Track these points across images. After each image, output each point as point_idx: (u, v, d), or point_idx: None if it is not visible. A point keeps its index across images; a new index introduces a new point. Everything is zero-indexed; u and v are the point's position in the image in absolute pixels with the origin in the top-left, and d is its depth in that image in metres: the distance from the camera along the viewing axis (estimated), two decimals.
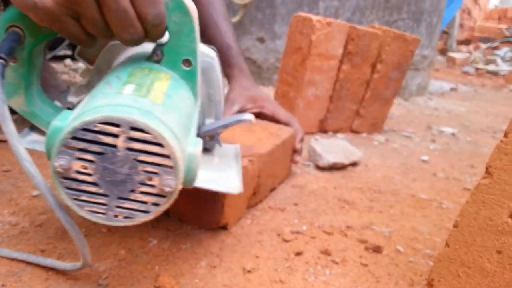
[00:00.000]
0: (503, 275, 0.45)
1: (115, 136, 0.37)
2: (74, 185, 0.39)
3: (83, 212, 0.40)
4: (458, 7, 4.38)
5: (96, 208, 0.40)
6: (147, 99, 0.41)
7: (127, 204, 0.40)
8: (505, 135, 0.45)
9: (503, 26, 6.19)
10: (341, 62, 1.30)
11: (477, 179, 0.48)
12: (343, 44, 1.27)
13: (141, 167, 0.39)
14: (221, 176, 0.57)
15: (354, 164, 1.05)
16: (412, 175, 1.05)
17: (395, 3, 2.06)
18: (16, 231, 0.59)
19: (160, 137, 0.38)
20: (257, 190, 0.72)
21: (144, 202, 0.40)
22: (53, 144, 0.38)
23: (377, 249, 0.66)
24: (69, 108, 0.53)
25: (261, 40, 2.04)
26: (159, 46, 0.48)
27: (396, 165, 1.12)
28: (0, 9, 0.76)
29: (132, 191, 0.40)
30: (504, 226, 0.45)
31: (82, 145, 0.37)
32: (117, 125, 0.37)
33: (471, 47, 5.86)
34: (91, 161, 0.38)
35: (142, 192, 0.40)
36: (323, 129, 1.36)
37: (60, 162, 0.37)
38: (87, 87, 0.58)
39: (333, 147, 1.06)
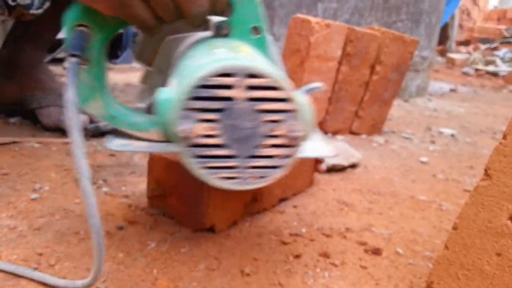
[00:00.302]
0: (502, 277, 0.45)
1: (232, 87, 0.36)
2: (202, 151, 0.38)
3: (216, 180, 0.39)
4: (456, 6, 4.38)
5: (228, 173, 0.39)
6: (243, 54, 0.40)
7: (257, 162, 0.39)
8: (504, 137, 0.45)
9: (503, 26, 6.20)
10: (339, 63, 1.30)
11: (477, 180, 0.48)
12: (341, 45, 1.27)
13: (264, 117, 0.37)
14: (310, 143, 0.52)
15: (353, 165, 1.05)
16: (412, 176, 1.05)
17: (393, 4, 2.06)
18: (14, 234, 0.58)
19: (277, 80, 0.37)
20: (259, 197, 0.71)
21: (274, 156, 0.39)
22: (168, 114, 0.37)
23: (376, 251, 0.65)
24: None
25: None
26: (223, 20, 0.47)
27: (396, 166, 1.12)
28: (4, 14, 0.76)
29: (260, 146, 0.38)
30: (503, 228, 0.45)
31: (201, 104, 0.36)
32: (232, 75, 0.36)
33: (470, 48, 5.86)
34: (213, 121, 0.37)
35: (271, 146, 0.38)
36: (322, 131, 1.36)
37: (183, 127, 0.36)
38: (150, 89, 0.57)
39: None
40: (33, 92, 1.03)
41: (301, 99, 0.40)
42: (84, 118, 1.00)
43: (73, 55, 0.41)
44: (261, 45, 0.49)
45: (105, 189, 0.76)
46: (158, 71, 0.56)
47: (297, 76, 1.24)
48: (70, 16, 0.45)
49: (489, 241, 0.46)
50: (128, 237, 0.61)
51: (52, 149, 0.92)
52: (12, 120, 1.06)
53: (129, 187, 0.78)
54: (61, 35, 1.15)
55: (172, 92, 0.39)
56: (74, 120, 0.39)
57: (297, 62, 1.24)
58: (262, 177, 0.40)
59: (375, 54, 1.35)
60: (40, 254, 0.55)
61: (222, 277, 0.55)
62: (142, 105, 0.57)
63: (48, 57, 1.68)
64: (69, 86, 0.39)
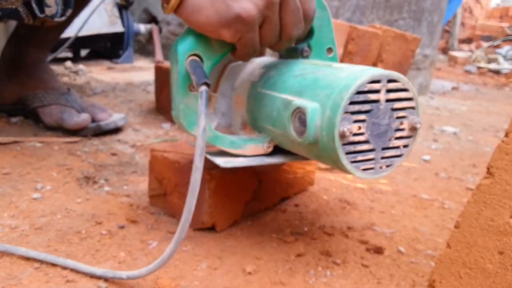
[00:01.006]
0: (505, 276, 0.45)
1: (378, 91, 0.44)
2: (352, 147, 0.45)
3: (359, 172, 0.46)
4: (458, 4, 4.37)
5: (367, 164, 0.46)
6: (361, 66, 0.48)
7: (388, 153, 0.47)
8: (506, 135, 0.45)
9: (505, 24, 6.18)
10: (341, 62, 1.29)
11: (479, 178, 0.48)
12: (343, 44, 1.27)
13: (395, 114, 0.46)
14: None
15: None
16: (414, 175, 1.04)
17: (395, 2, 2.05)
18: (16, 234, 0.58)
19: (407, 83, 0.46)
20: (260, 196, 0.71)
21: (398, 147, 0.47)
22: (316, 123, 0.45)
23: (378, 250, 0.65)
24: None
25: None
26: (303, 43, 0.56)
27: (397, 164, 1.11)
28: (29, 22, 0.77)
29: (391, 139, 0.46)
30: (506, 226, 0.45)
31: (357, 107, 0.44)
32: (378, 82, 0.44)
33: (472, 45, 5.84)
34: (363, 121, 0.44)
35: (397, 138, 0.47)
36: None
37: (346, 127, 0.43)
38: (215, 113, 0.63)
39: None
40: (35, 91, 1.03)
41: (417, 96, 0.48)
42: (86, 116, 1.00)
43: (204, 84, 0.45)
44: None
45: (106, 188, 0.76)
46: (222, 96, 0.63)
47: None
48: (185, 46, 0.49)
49: (492, 240, 0.46)
50: (130, 236, 0.61)
51: (54, 148, 0.92)
52: (14, 119, 1.06)
53: (131, 186, 0.78)
54: (64, 34, 1.15)
55: (316, 102, 0.46)
56: (203, 148, 0.44)
57: None
58: (389, 165, 0.47)
59: (376, 52, 1.34)
60: None
61: (224, 276, 0.55)
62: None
63: (50, 57, 1.68)
64: (201, 115, 0.44)
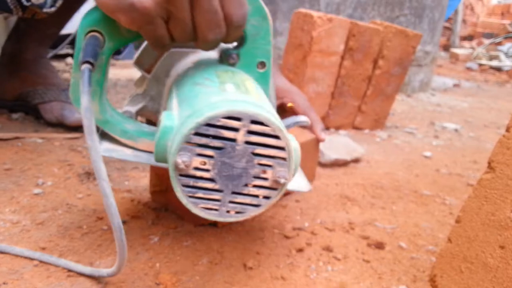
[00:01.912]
0: (506, 270, 0.45)
1: (236, 130, 0.38)
2: (192, 182, 0.40)
3: (197, 209, 0.41)
4: (459, 1, 4.36)
5: (210, 204, 0.41)
6: (251, 96, 0.42)
7: (240, 199, 0.41)
8: (507, 130, 0.45)
9: (506, 21, 6.16)
10: (342, 58, 1.29)
11: (480, 174, 0.48)
12: (344, 40, 1.26)
13: (257, 160, 0.40)
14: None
15: (356, 160, 1.05)
16: (415, 171, 1.04)
17: None
18: (17, 229, 0.58)
19: (278, 129, 0.39)
20: None
21: (256, 196, 0.41)
22: (166, 143, 0.40)
23: (379, 245, 0.65)
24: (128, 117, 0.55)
25: None
26: (233, 50, 0.50)
27: (399, 161, 1.11)
28: (18, 13, 0.76)
29: (246, 185, 0.40)
30: (507, 221, 0.45)
31: (204, 140, 0.38)
32: (238, 119, 0.38)
33: (474, 42, 5.83)
34: (210, 157, 0.39)
35: (255, 186, 0.41)
36: (325, 126, 1.36)
37: (182, 158, 0.38)
38: (143, 95, 0.59)
39: (335, 144, 1.06)
40: (36, 87, 1.03)
41: (294, 147, 0.42)
42: None
43: (87, 62, 0.42)
44: (264, 80, 0.51)
45: None
46: (155, 80, 0.58)
47: (299, 71, 1.24)
48: (86, 21, 0.45)
49: (493, 234, 0.46)
50: (131, 232, 0.61)
51: (54, 144, 0.92)
52: (15, 115, 1.06)
53: (132, 182, 0.78)
54: (64, 31, 1.15)
55: (175, 122, 0.41)
56: (89, 127, 0.40)
57: (299, 57, 1.23)
58: (240, 212, 0.42)
59: (378, 48, 1.34)
60: (43, 249, 0.55)
61: (224, 271, 0.55)
62: (132, 108, 0.58)
63: (51, 53, 1.68)
64: (83, 93, 0.41)
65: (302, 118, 0.57)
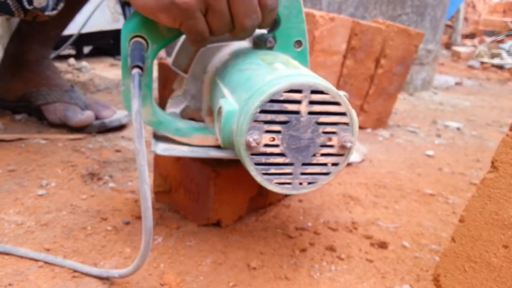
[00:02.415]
0: (510, 269, 0.45)
1: (298, 102, 0.40)
2: (264, 159, 0.41)
3: (272, 185, 0.43)
4: (461, 1, 4.35)
5: (283, 179, 0.43)
6: (302, 70, 0.44)
7: (310, 169, 0.43)
8: (511, 129, 0.45)
9: (508, 19, 6.14)
10: (344, 57, 1.29)
11: (483, 173, 0.48)
12: (346, 39, 1.26)
13: (321, 129, 0.41)
14: None
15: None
16: (418, 170, 1.04)
17: None
18: (22, 230, 0.59)
19: (337, 96, 0.41)
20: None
21: (325, 164, 0.43)
22: (231, 127, 0.42)
23: (382, 245, 0.65)
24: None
25: None
26: (268, 34, 0.51)
27: (401, 160, 1.11)
28: (20, 16, 0.77)
29: (315, 155, 0.42)
30: (511, 220, 0.45)
31: (270, 116, 0.40)
32: (299, 91, 0.39)
33: (476, 41, 5.81)
34: (278, 132, 0.41)
35: (323, 154, 0.42)
36: None
37: (253, 137, 0.40)
38: (184, 96, 0.60)
39: None
40: (39, 88, 1.03)
41: (353, 112, 0.43)
42: (89, 114, 1.00)
43: (136, 66, 0.44)
44: (303, 58, 0.53)
45: (111, 184, 0.76)
46: (194, 78, 0.59)
47: None
48: (129, 27, 0.47)
49: (496, 233, 0.46)
50: (135, 232, 0.61)
51: (58, 145, 0.92)
52: (18, 117, 1.06)
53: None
54: (67, 32, 1.16)
55: (236, 103, 0.43)
56: (139, 130, 0.42)
57: None
58: (312, 183, 0.44)
59: (380, 47, 1.34)
60: (48, 250, 0.55)
61: (228, 271, 0.55)
62: (176, 109, 0.59)
63: (53, 54, 1.69)
64: (135, 97, 0.42)
65: (341, 93, 0.58)
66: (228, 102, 0.44)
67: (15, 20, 1.11)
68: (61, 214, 0.64)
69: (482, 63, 4.42)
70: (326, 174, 0.43)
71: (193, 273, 0.54)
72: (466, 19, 6.41)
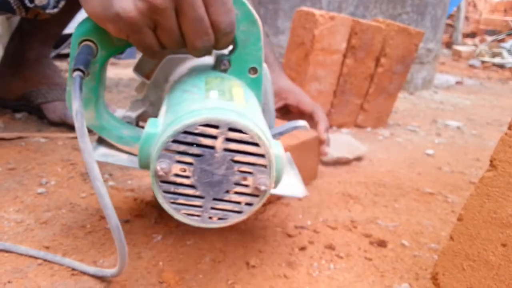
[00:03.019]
0: (508, 268, 0.45)
1: (214, 137, 0.39)
2: (172, 188, 0.40)
3: (179, 215, 0.41)
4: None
5: (192, 210, 0.41)
6: (234, 103, 0.42)
7: (221, 205, 0.41)
8: (510, 128, 0.45)
9: (509, 18, 6.14)
10: (344, 56, 1.29)
11: (483, 172, 0.48)
12: (346, 38, 1.26)
13: (236, 167, 0.40)
14: (285, 182, 0.55)
15: (358, 158, 1.05)
16: (417, 169, 1.04)
17: None
18: (21, 228, 0.59)
19: (256, 137, 0.39)
20: None
21: (238, 203, 0.41)
22: (149, 149, 0.40)
23: (381, 243, 0.65)
24: (128, 122, 0.57)
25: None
26: (225, 56, 0.50)
27: (401, 159, 1.11)
28: (21, 14, 0.77)
29: (227, 191, 0.41)
30: (509, 219, 0.45)
31: (182, 147, 0.39)
32: (216, 127, 0.38)
33: (476, 40, 5.81)
34: (189, 164, 0.39)
35: (237, 193, 0.41)
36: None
37: (161, 165, 0.39)
38: (143, 101, 0.60)
39: (337, 142, 1.06)
40: (39, 87, 1.03)
41: (277, 150, 0.42)
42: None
43: (78, 69, 0.43)
44: (256, 85, 0.51)
45: (111, 183, 0.76)
46: (155, 86, 0.59)
47: (301, 69, 1.24)
48: (80, 31, 0.47)
49: (495, 232, 0.46)
50: (134, 230, 0.61)
51: (58, 143, 0.92)
52: (18, 115, 1.06)
53: (135, 181, 0.78)
54: (67, 30, 1.16)
55: (158, 128, 0.42)
56: (81, 129, 0.41)
57: (301, 55, 1.23)
58: (222, 219, 0.42)
59: (380, 46, 1.34)
60: (47, 248, 0.55)
61: (227, 269, 0.55)
62: (132, 113, 0.59)
63: (53, 53, 1.69)
64: (75, 99, 0.41)
65: (300, 123, 0.57)
66: (154, 123, 0.43)
67: (16, 19, 1.11)
68: (61, 212, 0.64)
69: (483, 62, 4.42)
70: (239, 212, 0.42)
71: (192, 271, 0.54)
72: (467, 18, 6.40)
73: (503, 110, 2.12)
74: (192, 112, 0.40)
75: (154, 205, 0.69)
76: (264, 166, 0.40)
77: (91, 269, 0.50)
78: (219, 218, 0.42)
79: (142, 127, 0.57)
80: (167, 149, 0.38)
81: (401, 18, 2.07)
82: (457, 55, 4.80)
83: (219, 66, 0.50)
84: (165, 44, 0.45)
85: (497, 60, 4.42)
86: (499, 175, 0.46)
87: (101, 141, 0.54)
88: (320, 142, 0.85)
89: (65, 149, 0.89)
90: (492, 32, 5.88)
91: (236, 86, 0.48)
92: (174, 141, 0.38)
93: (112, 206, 0.42)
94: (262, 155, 0.40)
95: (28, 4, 0.74)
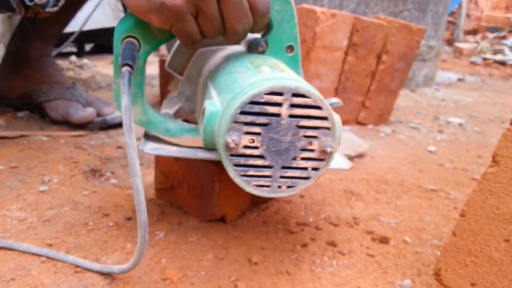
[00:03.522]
0: (511, 263, 0.45)
1: (279, 105, 0.40)
2: (243, 160, 0.41)
3: (250, 187, 0.43)
4: None
5: (262, 181, 0.43)
6: (287, 74, 0.44)
7: (290, 173, 0.43)
8: None
9: (511, 15, 6.12)
10: (346, 53, 1.29)
11: (485, 168, 0.48)
12: (347, 35, 1.26)
13: (302, 132, 0.41)
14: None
15: (360, 155, 1.05)
16: (419, 166, 1.04)
17: None
18: (24, 226, 0.59)
19: (319, 100, 0.40)
20: None
21: (305, 168, 0.43)
22: (213, 128, 0.42)
23: (384, 240, 0.65)
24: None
25: None
26: (261, 38, 0.51)
27: (403, 156, 1.11)
28: (21, 12, 0.77)
29: (294, 158, 0.42)
30: None
31: (250, 118, 0.40)
32: (280, 94, 0.40)
33: (478, 37, 5.79)
34: (258, 134, 0.41)
35: (304, 158, 0.42)
36: None
37: (232, 137, 0.40)
38: (179, 97, 0.61)
39: None
40: (41, 85, 1.03)
41: (336, 117, 0.43)
42: (91, 111, 1.00)
43: (126, 64, 0.44)
44: (294, 63, 0.53)
45: (113, 180, 0.76)
46: (188, 80, 0.60)
47: (303, 66, 1.23)
48: (122, 27, 0.48)
49: (497, 228, 0.46)
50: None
51: (60, 142, 0.92)
52: (20, 114, 1.06)
53: None
54: (68, 29, 1.16)
55: (220, 105, 0.43)
56: (129, 125, 0.42)
57: (303, 53, 1.23)
58: (291, 186, 0.43)
59: (381, 43, 1.34)
60: (50, 245, 0.55)
61: (230, 266, 0.55)
62: (170, 110, 0.60)
63: (55, 51, 1.69)
64: (124, 94, 0.42)
65: (334, 100, 0.57)
66: (213, 103, 0.44)
67: (17, 18, 1.11)
68: (63, 210, 0.64)
69: (484, 59, 4.41)
70: (306, 178, 0.43)
71: (194, 268, 0.54)
72: (468, 15, 6.38)
73: (505, 107, 2.11)
74: (253, 84, 0.41)
75: (156, 202, 0.69)
76: (328, 128, 0.41)
77: (97, 266, 0.51)
78: (288, 186, 0.43)
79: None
80: (235, 122, 0.40)
81: (402, 15, 2.06)
82: (459, 52, 4.79)
83: (256, 48, 0.51)
84: (206, 31, 0.46)
85: (498, 57, 4.41)
86: (501, 171, 0.46)
87: (147, 137, 0.55)
88: None
89: (67, 147, 0.90)
90: (493, 29, 5.87)
91: (280, 63, 0.49)
92: (242, 113, 0.39)
93: (145, 203, 0.43)
94: (325, 118, 0.41)
95: (28, 3, 0.74)
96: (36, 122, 1.03)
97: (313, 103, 0.40)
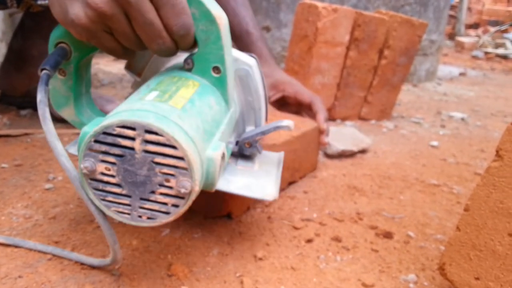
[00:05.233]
0: None
1: (132, 139, 0.39)
2: (100, 186, 0.41)
3: (110, 212, 0.43)
4: None
5: (121, 208, 0.42)
6: (166, 104, 0.43)
7: (148, 205, 0.42)
8: None
9: None
10: (348, 48, 1.29)
11: (488, 163, 0.48)
12: (349, 30, 1.26)
13: (158, 169, 0.40)
14: (257, 182, 0.56)
15: (363, 151, 1.05)
16: (422, 160, 1.04)
17: None
18: (30, 223, 0.59)
19: (173, 139, 0.39)
20: None
21: (164, 203, 0.42)
22: (83, 142, 0.41)
23: (387, 235, 0.66)
24: None
25: (267, 29, 2.03)
26: (190, 55, 0.50)
27: (406, 151, 1.11)
28: (13, 6, 0.77)
29: (152, 192, 0.41)
30: None
31: (104, 147, 0.40)
32: (133, 129, 0.39)
33: (479, 31, 5.78)
34: (113, 163, 0.40)
35: (162, 194, 0.41)
36: (331, 117, 1.36)
37: (85, 164, 0.40)
38: None
39: (341, 135, 1.06)
40: None
41: (212, 153, 0.43)
42: None
43: (44, 69, 0.45)
44: (220, 84, 0.51)
45: None
46: (144, 82, 0.59)
47: (305, 62, 1.23)
48: (55, 34, 0.49)
49: (501, 222, 0.46)
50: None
51: (63, 139, 0.92)
52: (23, 112, 1.07)
53: None
54: None
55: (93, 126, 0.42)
56: (43, 115, 0.44)
57: (304, 48, 1.23)
58: (151, 218, 0.42)
59: (383, 38, 1.34)
60: (57, 242, 0.56)
61: (235, 262, 0.56)
62: None
63: None
64: (39, 91, 0.44)
65: (284, 123, 0.56)
66: (96, 122, 0.43)
67: (18, 16, 1.11)
68: (69, 207, 0.65)
69: (486, 53, 4.39)
70: (166, 213, 0.42)
71: (200, 264, 0.54)
72: (469, 9, 6.36)
73: (507, 101, 2.11)
74: (117, 113, 0.41)
75: None
76: (185, 168, 0.40)
77: (94, 261, 0.51)
78: (148, 218, 0.42)
79: None
80: (90, 149, 0.40)
81: (404, 10, 2.06)
82: (460, 46, 4.78)
83: (184, 65, 0.51)
84: (127, 46, 0.46)
85: (500, 51, 4.40)
86: (505, 165, 0.46)
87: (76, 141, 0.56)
88: (320, 132, 0.86)
89: None
90: (495, 23, 5.85)
91: (187, 87, 0.48)
92: (96, 141, 0.39)
93: (80, 178, 0.43)
94: (181, 158, 0.39)
95: None
96: (39, 120, 1.04)
97: (167, 142, 0.39)
